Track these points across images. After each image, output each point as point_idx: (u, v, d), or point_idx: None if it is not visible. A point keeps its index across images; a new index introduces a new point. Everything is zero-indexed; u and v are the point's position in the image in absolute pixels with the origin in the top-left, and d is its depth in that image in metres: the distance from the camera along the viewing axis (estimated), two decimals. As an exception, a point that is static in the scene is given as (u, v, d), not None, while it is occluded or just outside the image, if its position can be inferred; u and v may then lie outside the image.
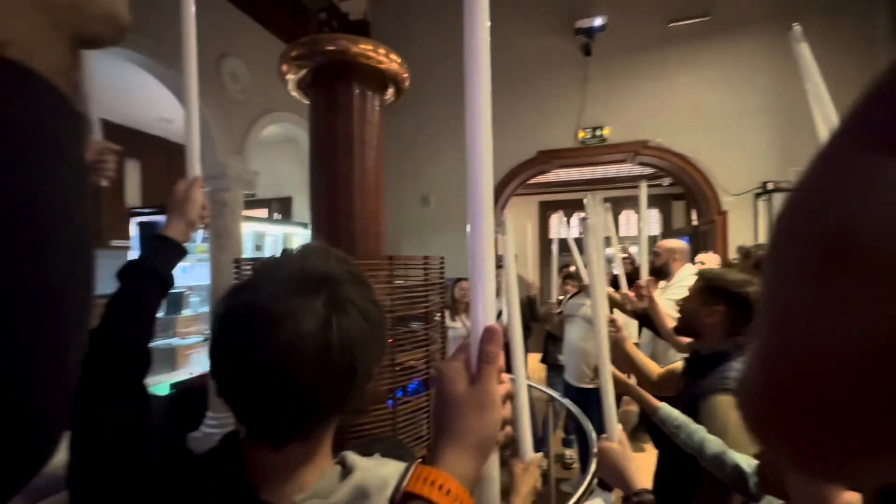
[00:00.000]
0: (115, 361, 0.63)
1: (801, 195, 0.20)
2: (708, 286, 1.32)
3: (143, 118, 5.48)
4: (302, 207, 6.10)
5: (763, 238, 4.15)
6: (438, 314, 2.03)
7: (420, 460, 0.45)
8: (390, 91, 2.14)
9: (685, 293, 2.52)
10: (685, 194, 5.76)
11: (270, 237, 5.00)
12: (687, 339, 1.65)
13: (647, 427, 2.89)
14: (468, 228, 0.45)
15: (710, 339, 1.30)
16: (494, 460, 0.49)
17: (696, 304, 1.32)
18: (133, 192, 5.83)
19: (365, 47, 1.82)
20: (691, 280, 2.66)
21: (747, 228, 4.30)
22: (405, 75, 2.09)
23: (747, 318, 1.23)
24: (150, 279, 0.73)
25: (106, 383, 0.61)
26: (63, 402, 0.27)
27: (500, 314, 3.30)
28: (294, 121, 4.48)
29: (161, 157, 6.09)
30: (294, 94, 2.15)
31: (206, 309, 4.22)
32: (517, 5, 4.83)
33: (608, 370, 0.95)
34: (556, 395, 2.46)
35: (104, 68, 3.70)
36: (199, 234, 4.02)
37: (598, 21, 4.48)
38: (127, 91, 4.50)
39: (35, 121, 0.24)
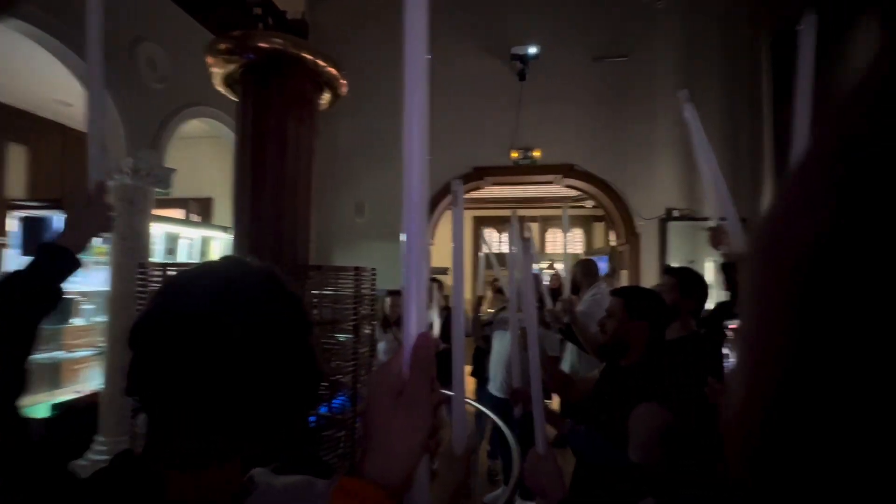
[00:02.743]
0: None
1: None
2: (632, 304, 1.41)
3: (36, 99, 4.80)
4: (224, 209, 5.70)
5: (670, 259, 4.59)
6: (368, 327, 1.98)
7: (345, 472, 0.44)
8: (327, 95, 2.08)
9: (598, 308, 2.73)
10: (605, 216, 6.23)
11: (185, 240, 4.59)
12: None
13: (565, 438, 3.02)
14: (402, 237, 0.46)
15: (633, 352, 1.38)
16: (424, 468, 0.48)
17: (623, 322, 1.39)
18: (17, 182, 5.07)
19: (302, 48, 1.76)
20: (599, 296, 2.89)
21: (655, 250, 4.73)
22: (343, 81, 2.04)
23: (662, 328, 1.35)
24: (34, 293, 0.65)
25: None
26: None
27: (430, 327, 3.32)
28: (219, 117, 4.19)
29: (55, 143, 5.36)
30: (220, 89, 2.01)
31: (101, 318, 3.74)
32: (458, 27, 4.98)
33: (539, 382, 0.97)
34: (482, 407, 2.49)
35: (-13, 38, 3.20)
36: (99, 233, 3.57)
37: (531, 49, 4.74)
38: (18, 68, 3.93)
39: None
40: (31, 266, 0.67)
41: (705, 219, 4.58)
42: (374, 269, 1.87)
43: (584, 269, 3.03)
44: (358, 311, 1.79)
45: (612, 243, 5.73)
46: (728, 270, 1.42)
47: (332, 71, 1.87)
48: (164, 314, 0.48)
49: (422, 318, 0.46)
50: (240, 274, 0.51)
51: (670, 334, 1.55)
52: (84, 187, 0.77)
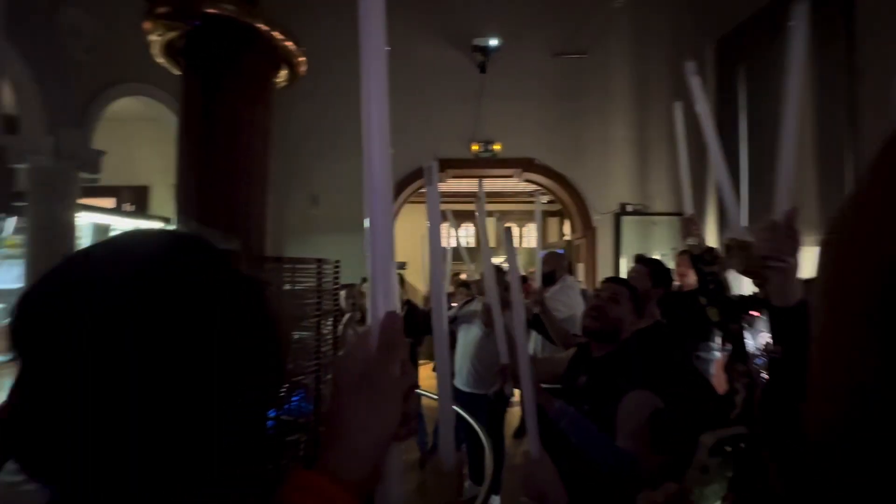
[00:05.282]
0: None
1: None
2: (637, 296, 1.44)
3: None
4: (163, 199, 5.25)
5: (625, 250, 4.76)
6: (331, 323, 1.86)
7: (300, 466, 0.39)
8: (283, 73, 1.92)
9: (568, 298, 2.79)
10: (560, 211, 6.37)
11: (118, 232, 4.17)
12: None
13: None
14: (366, 224, 0.44)
15: (614, 341, 1.40)
16: (396, 457, 0.44)
17: (628, 312, 1.41)
18: None
19: (257, 17, 1.59)
20: (572, 286, 2.98)
21: (610, 243, 4.89)
22: (302, 59, 1.89)
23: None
24: None
25: None
26: None
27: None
28: (157, 96, 3.81)
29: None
30: (160, 60, 1.79)
31: (16, 319, 3.30)
32: (417, 17, 4.84)
33: (529, 379, 0.91)
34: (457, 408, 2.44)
35: None
36: (10, 222, 3.13)
37: (492, 41, 4.71)
38: None
39: None
40: None
41: (656, 213, 4.79)
42: (338, 262, 1.75)
43: (561, 262, 3.19)
44: (321, 306, 1.67)
45: (567, 237, 5.87)
46: (697, 261, 1.45)
47: (291, 45, 1.72)
48: (51, 301, 0.35)
49: (390, 300, 0.43)
50: (167, 244, 0.40)
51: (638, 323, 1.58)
52: None
